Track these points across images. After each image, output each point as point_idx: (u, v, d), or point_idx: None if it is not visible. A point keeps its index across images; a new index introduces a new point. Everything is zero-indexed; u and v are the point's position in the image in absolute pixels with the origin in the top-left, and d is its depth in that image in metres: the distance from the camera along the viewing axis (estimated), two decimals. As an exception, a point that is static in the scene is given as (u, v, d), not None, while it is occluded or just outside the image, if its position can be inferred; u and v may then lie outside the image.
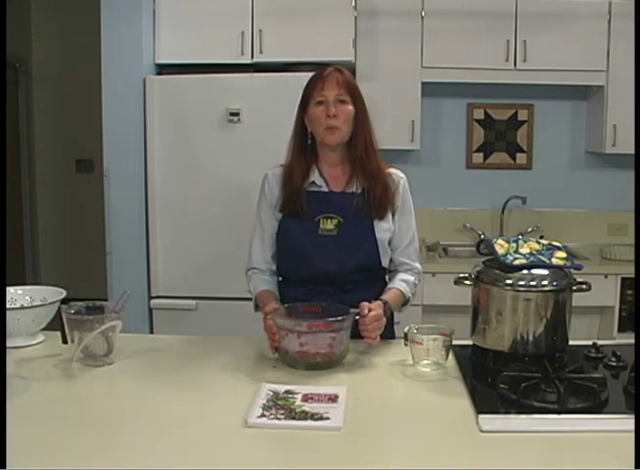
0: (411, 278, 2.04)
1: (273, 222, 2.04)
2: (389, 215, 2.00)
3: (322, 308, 1.81)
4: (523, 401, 1.44)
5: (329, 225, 1.96)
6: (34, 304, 1.94)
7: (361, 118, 1.97)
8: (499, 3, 3.56)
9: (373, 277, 2.02)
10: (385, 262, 2.02)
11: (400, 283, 2.00)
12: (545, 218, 4.00)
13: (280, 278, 2.09)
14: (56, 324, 1.86)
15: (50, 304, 1.89)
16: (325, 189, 2.00)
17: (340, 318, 1.71)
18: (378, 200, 1.97)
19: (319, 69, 2.00)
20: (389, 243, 2.02)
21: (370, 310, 1.77)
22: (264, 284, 2.05)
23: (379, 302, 1.85)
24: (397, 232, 2.03)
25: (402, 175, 2.05)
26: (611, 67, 3.58)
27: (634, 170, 3.69)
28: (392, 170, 2.04)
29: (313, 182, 2.00)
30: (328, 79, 1.94)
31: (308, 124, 1.98)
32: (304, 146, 2.01)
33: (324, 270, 1.95)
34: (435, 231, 3.98)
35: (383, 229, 1.99)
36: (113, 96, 3.31)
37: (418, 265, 2.08)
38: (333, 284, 1.96)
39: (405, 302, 2.01)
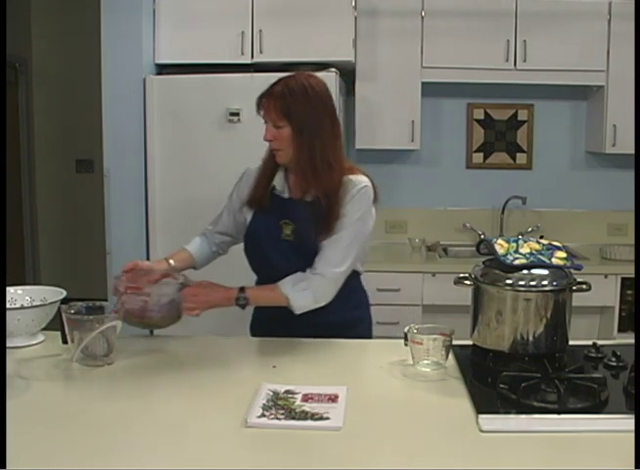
0: (303, 282, 1.89)
1: (235, 215, 2.12)
2: (337, 225, 1.93)
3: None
4: (523, 401, 1.44)
5: (288, 231, 1.98)
6: (34, 304, 1.94)
7: (304, 137, 1.91)
8: (499, 3, 3.56)
9: None
10: None
11: (284, 281, 1.90)
12: (545, 218, 4.00)
13: (256, 278, 2.11)
14: (56, 324, 1.87)
15: (50, 304, 1.89)
16: (285, 195, 2.02)
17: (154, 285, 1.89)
18: (328, 212, 1.91)
19: (267, 89, 1.94)
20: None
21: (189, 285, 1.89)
22: (192, 244, 2.20)
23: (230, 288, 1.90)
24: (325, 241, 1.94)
25: (364, 183, 1.95)
26: (611, 67, 3.58)
27: (634, 170, 3.69)
28: (352, 178, 1.95)
29: (275, 187, 2.02)
30: (264, 106, 1.93)
31: None
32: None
33: (287, 274, 1.93)
34: (435, 231, 3.98)
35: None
36: (113, 96, 3.31)
37: (324, 269, 1.90)
38: None
39: (286, 301, 1.90)
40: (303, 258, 1.94)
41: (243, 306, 1.90)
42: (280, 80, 1.95)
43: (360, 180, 1.95)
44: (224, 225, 2.19)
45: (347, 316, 2.05)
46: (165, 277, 1.98)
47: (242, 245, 2.10)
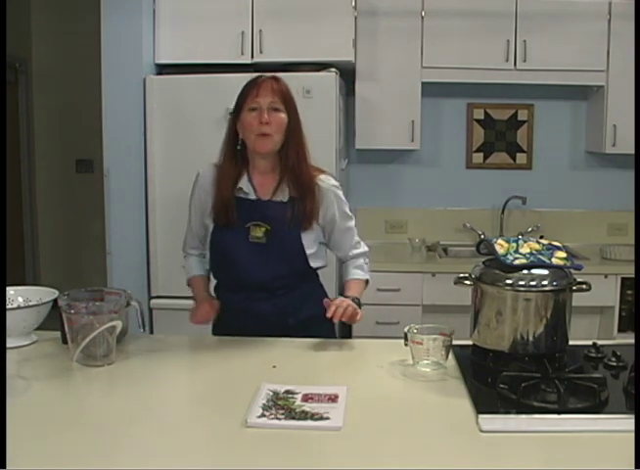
0: (361, 261, 2.13)
1: (202, 222, 2.09)
2: (315, 226, 2.01)
3: None
4: (523, 401, 1.44)
5: (258, 233, 1.97)
6: (29, 304, 1.93)
7: (294, 128, 1.97)
8: (499, 3, 3.56)
9: (303, 279, 2.06)
10: (315, 264, 2.05)
11: (356, 272, 2.11)
12: (545, 218, 4.00)
13: (216, 282, 2.12)
14: (52, 324, 1.87)
15: (43, 304, 1.88)
16: (253, 197, 2.00)
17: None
18: (307, 211, 1.96)
19: (255, 77, 2.01)
20: (334, 248, 2.11)
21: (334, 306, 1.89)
22: (197, 267, 2.17)
23: (346, 299, 1.92)
24: (339, 238, 2.09)
25: (333, 183, 2.05)
26: (611, 67, 3.58)
27: (634, 170, 3.69)
28: (323, 177, 2.03)
29: (241, 189, 2.00)
30: (262, 86, 1.94)
31: (240, 131, 1.99)
32: (235, 152, 2.01)
33: (255, 278, 1.96)
34: (435, 231, 3.98)
35: (310, 239, 2.00)
36: (113, 96, 3.31)
37: (364, 248, 2.15)
38: (265, 289, 1.99)
39: (366, 284, 2.12)
40: (274, 259, 1.96)
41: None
42: (262, 75, 2.00)
43: (330, 180, 2.06)
44: (199, 236, 2.14)
45: (311, 314, 2.05)
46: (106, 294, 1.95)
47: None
